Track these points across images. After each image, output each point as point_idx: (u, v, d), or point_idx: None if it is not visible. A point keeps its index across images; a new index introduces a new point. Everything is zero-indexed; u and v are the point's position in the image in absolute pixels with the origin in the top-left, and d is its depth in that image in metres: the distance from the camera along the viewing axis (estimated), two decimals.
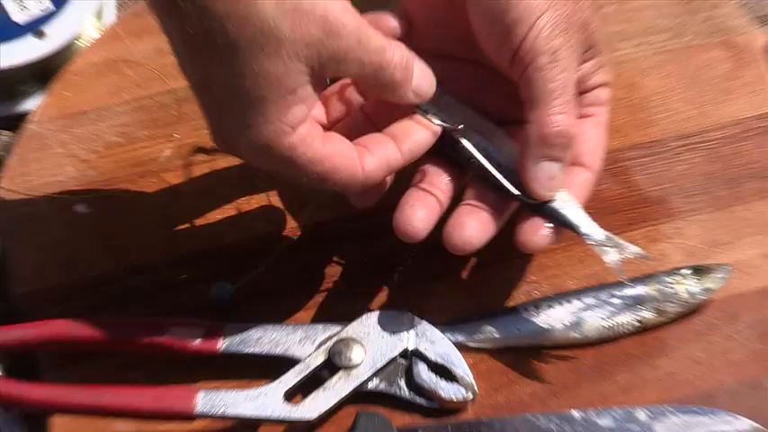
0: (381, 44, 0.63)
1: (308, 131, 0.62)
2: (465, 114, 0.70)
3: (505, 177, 0.68)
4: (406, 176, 0.71)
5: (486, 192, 0.70)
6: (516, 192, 0.68)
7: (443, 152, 0.70)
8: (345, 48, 0.61)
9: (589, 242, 0.68)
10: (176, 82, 0.86)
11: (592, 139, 0.71)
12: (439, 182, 0.70)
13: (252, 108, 0.60)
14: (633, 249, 0.69)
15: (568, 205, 0.68)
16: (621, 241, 0.69)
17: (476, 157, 0.69)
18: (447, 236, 0.68)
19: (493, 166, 0.68)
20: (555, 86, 0.65)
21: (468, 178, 0.71)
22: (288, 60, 0.59)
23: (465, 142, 0.69)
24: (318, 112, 0.67)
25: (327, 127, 0.68)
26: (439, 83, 0.69)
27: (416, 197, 0.69)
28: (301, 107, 0.61)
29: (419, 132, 0.68)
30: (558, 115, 0.66)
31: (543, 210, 0.68)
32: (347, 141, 0.65)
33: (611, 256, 0.68)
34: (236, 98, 0.60)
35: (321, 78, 0.62)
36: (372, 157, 0.66)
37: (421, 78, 0.66)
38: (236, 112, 0.60)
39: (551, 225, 0.68)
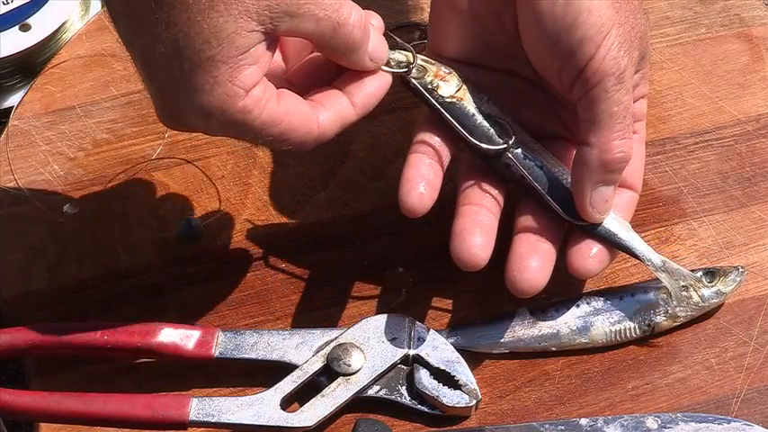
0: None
1: (263, 93, 0.64)
2: (512, 128, 0.72)
3: (555, 197, 0.71)
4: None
5: (540, 214, 0.72)
6: (568, 217, 0.71)
7: (494, 168, 0.73)
8: (298, 1, 0.62)
9: (650, 268, 0.73)
10: None
11: (636, 159, 0.73)
12: (489, 200, 0.72)
13: (202, 70, 0.61)
14: (686, 274, 0.73)
15: (621, 229, 0.72)
16: (677, 266, 0.73)
17: (528, 178, 0.71)
18: (512, 281, 0.70)
19: (543, 185, 0.72)
20: (619, 110, 0.67)
21: (511, 189, 0.74)
22: (239, 18, 0.60)
23: (517, 162, 0.72)
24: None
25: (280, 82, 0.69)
26: (484, 90, 0.72)
27: (472, 221, 0.71)
28: (254, 69, 0.62)
29: (371, 83, 0.69)
30: (620, 140, 0.68)
31: (596, 232, 0.72)
32: (300, 98, 0.67)
33: (669, 282, 0.73)
34: (185, 60, 0.61)
35: (274, 37, 0.63)
36: (327, 112, 0.67)
37: (377, 43, 0.68)
38: (184, 76, 0.61)
39: (606, 248, 0.72)
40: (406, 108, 0.87)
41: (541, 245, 0.71)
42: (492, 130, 0.72)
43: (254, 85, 0.63)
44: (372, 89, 0.69)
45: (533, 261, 0.70)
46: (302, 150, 0.67)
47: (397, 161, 0.84)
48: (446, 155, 0.72)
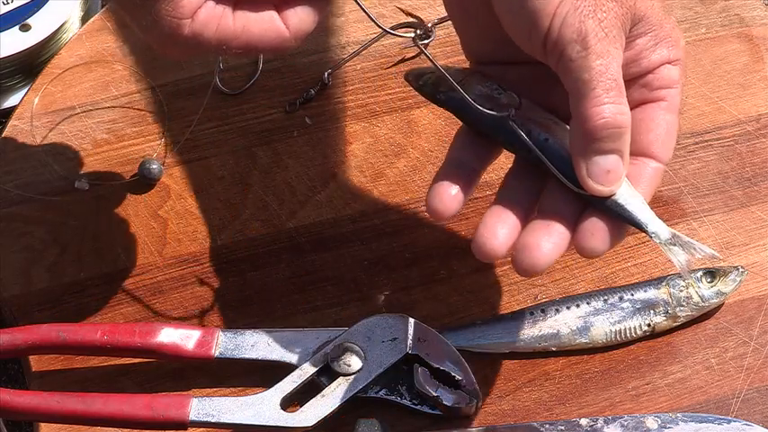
0: None
1: (211, 13, 0.64)
2: (522, 106, 0.70)
3: (566, 170, 0.68)
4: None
5: (565, 199, 0.69)
6: (574, 187, 0.67)
7: (500, 141, 0.71)
8: None
9: (655, 241, 0.68)
10: (166, 76, 0.89)
11: (660, 127, 0.69)
12: (520, 197, 0.70)
13: (143, 9, 0.62)
14: (701, 248, 0.68)
15: (633, 201, 0.68)
16: (689, 240, 0.69)
17: (532, 148, 0.69)
18: (513, 259, 0.67)
19: (552, 158, 0.68)
20: (591, 76, 0.65)
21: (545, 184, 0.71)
22: None
23: (517, 130, 0.69)
24: None
25: None
26: (494, 78, 0.71)
27: (497, 213, 0.69)
28: None
29: None
30: (600, 106, 0.65)
31: (605, 206, 0.68)
32: (262, 3, 0.66)
33: (678, 257, 0.68)
34: (130, 2, 0.62)
35: None
36: (294, 10, 0.66)
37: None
38: (132, 10, 0.63)
39: (610, 225, 0.67)
40: (407, 108, 0.87)
41: (553, 225, 0.68)
42: (495, 104, 0.70)
43: (196, 8, 0.63)
44: None
45: (539, 240, 0.67)
46: (283, 52, 0.67)
47: (397, 161, 0.85)
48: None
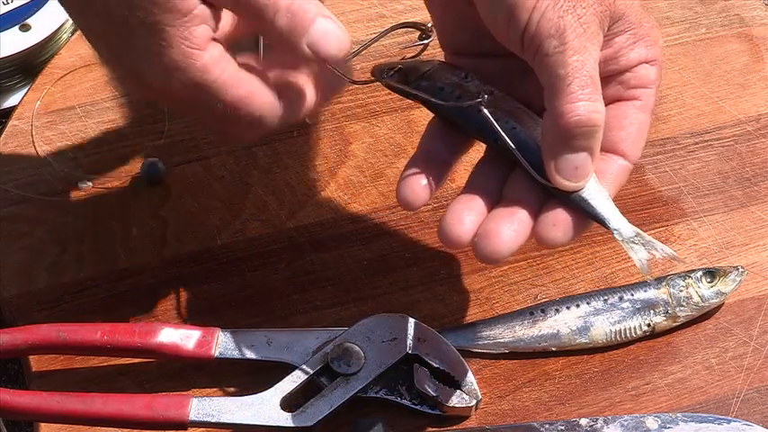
0: None
1: (221, 53, 0.64)
2: (493, 95, 0.69)
3: (533, 160, 0.67)
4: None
5: (529, 187, 0.68)
6: (541, 178, 0.67)
7: (468, 129, 0.70)
8: None
9: (617, 238, 0.68)
10: None
11: (631, 126, 0.69)
12: (488, 185, 0.70)
13: (154, 35, 0.62)
14: (663, 248, 0.68)
15: (598, 196, 0.67)
16: (651, 239, 0.68)
17: (501, 137, 0.68)
18: (474, 246, 0.67)
19: (519, 147, 0.68)
20: (567, 72, 0.64)
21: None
22: None
23: (488, 117, 0.68)
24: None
25: None
26: (463, 67, 0.71)
27: (464, 201, 0.69)
28: (205, 27, 0.63)
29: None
30: (575, 102, 0.64)
31: (569, 199, 0.67)
32: (263, 80, 0.66)
33: (638, 255, 0.68)
34: (138, 28, 0.61)
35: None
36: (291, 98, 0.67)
37: (321, 33, 0.65)
38: (140, 42, 0.62)
39: (573, 218, 0.67)
40: (407, 108, 0.87)
41: (517, 213, 0.67)
42: (463, 91, 0.70)
43: (208, 41, 0.63)
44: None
45: (501, 227, 0.67)
46: (267, 126, 0.67)
47: (397, 161, 0.85)
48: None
